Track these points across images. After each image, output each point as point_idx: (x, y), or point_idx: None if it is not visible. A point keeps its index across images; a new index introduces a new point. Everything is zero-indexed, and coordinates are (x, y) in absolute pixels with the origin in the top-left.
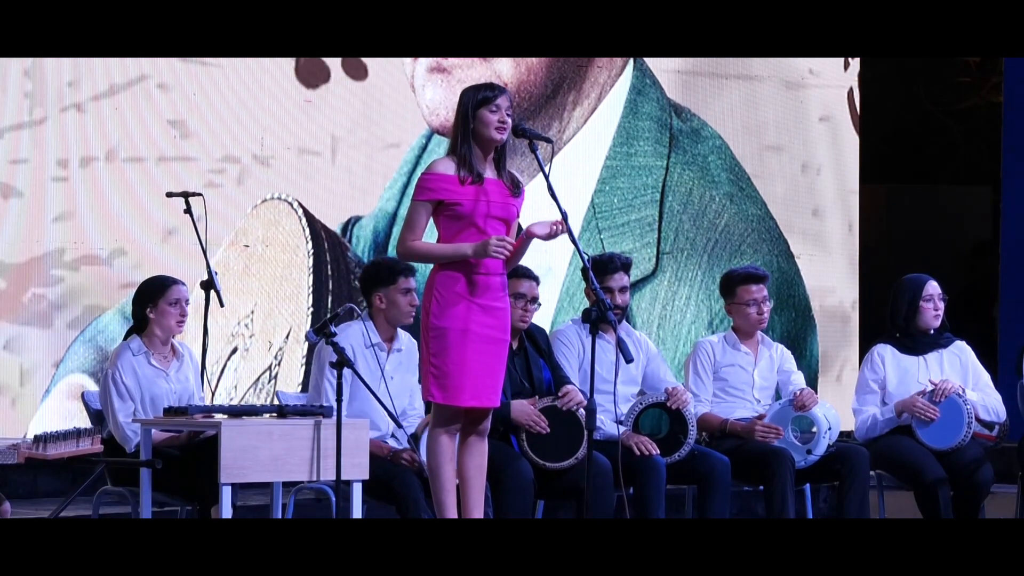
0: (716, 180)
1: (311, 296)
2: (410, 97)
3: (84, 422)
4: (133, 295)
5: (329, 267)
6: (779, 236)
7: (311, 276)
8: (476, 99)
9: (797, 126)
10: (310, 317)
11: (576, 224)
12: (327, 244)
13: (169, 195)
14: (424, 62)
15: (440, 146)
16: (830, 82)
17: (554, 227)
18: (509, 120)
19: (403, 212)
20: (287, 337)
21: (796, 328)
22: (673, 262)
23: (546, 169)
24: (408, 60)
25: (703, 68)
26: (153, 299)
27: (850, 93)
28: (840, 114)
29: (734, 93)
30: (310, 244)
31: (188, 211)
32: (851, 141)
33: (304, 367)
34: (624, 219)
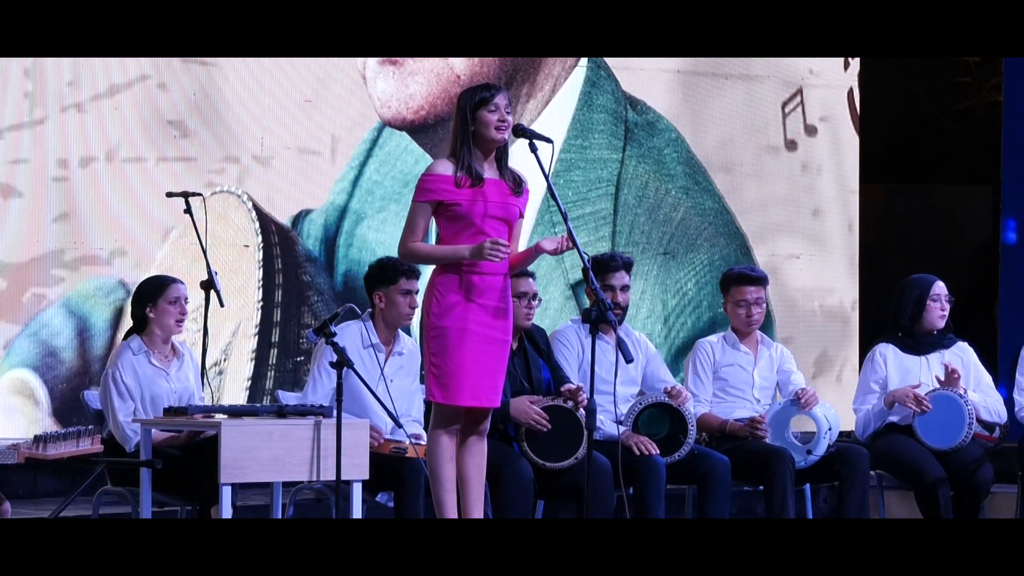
0: (672, 173)
1: (260, 291)
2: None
3: (28, 418)
4: (132, 295)
5: (279, 261)
6: (736, 230)
7: (261, 270)
8: (474, 101)
9: (797, 126)
10: (259, 311)
11: (531, 217)
12: (276, 238)
13: (169, 195)
14: None
15: (391, 138)
16: (830, 82)
17: (562, 243)
18: (509, 119)
19: (354, 205)
20: (235, 333)
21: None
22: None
23: (546, 170)
24: None
25: (703, 68)
26: (152, 298)
27: (850, 93)
28: (840, 114)
29: (734, 93)
30: (259, 238)
31: (188, 211)
32: (851, 141)
33: (252, 362)
34: (579, 212)
